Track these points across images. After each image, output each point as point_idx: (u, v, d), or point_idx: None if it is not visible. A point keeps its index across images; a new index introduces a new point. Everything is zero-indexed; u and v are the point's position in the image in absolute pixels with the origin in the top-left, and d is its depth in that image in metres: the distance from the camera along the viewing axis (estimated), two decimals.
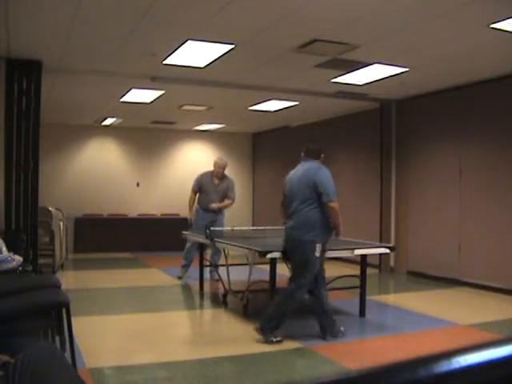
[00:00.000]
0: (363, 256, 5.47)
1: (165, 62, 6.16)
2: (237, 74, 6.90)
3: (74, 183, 11.28)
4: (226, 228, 7.20)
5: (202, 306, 6.44)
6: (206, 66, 6.29)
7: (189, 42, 5.38)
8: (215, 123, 11.46)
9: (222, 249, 6.44)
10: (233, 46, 5.51)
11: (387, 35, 5.10)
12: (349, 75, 6.75)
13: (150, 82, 7.11)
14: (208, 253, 7.50)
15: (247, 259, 5.42)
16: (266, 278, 5.04)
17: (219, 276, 6.37)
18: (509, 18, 4.48)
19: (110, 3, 4.40)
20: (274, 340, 4.38)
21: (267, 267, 4.98)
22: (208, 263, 7.16)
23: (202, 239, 6.42)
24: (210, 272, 7.34)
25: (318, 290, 4.62)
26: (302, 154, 4.81)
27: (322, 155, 4.78)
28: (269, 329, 4.39)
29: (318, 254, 4.41)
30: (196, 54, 5.81)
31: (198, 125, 11.66)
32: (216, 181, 7.51)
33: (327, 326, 4.56)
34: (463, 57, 5.84)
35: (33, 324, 3.40)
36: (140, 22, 4.82)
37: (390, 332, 4.74)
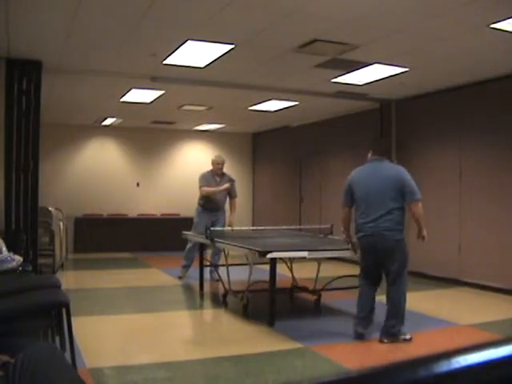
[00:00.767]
0: None
1: (165, 62, 6.16)
2: (237, 74, 6.90)
3: (74, 183, 11.28)
4: (226, 228, 7.20)
5: (202, 306, 6.44)
6: (206, 66, 6.29)
7: (189, 42, 5.38)
8: (215, 123, 11.46)
9: (222, 249, 6.44)
10: (233, 46, 5.51)
11: (387, 35, 5.10)
12: (349, 75, 6.75)
13: (150, 82, 7.11)
14: (208, 253, 7.50)
15: (247, 259, 5.42)
16: (266, 277, 5.04)
17: (219, 276, 6.37)
18: (509, 18, 4.48)
19: (110, 3, 4.40)
20: (408, 337, 4.48)
21: (267, 267, 4.98)
22: (208, 263, 7.16)
23: (202, 239, 6.42)
24: (210, 272, 7.34)
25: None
26: (370, 154, 4.63)
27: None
28: (398, 332, 4.47)
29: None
30: (196, 54, 5.81)
31: (197, 125, 11.66)
32: (218, 179, 7.52)
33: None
34: (463, 57, 5.84)
35: (33, 324, 3.40)
36: (140, 22, 4.82)
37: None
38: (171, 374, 3.73)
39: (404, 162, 8.54)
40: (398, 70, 6.41)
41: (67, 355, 3.17)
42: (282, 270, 6.00)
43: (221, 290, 6.29)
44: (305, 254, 5.02)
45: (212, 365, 3.97)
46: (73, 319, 3.55)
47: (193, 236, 7.02)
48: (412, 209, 4.42)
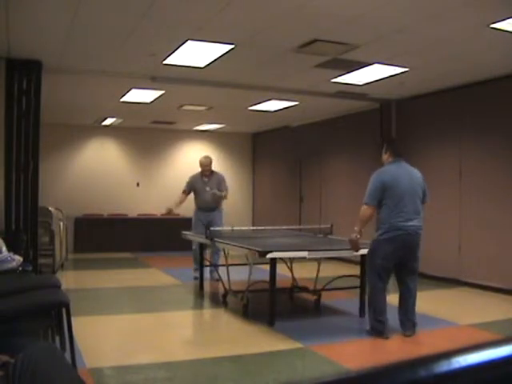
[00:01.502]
0: (363, 256, 5.46)
1: (165, 62, 6.16)
2: (237, 74, 6.90)
3: (74, 183, 11.28)
4: (226, 228, 7.20)
5: (202, 306, 6.44)
6: (205, 66, 6.29)
7: (189, 41, 5.38)
8: (215, 123, 11.46)
9: (221, 248, 6.45)
10: (233, 46, 5.51)
11: (387, 35, 5.10)
12: (349, 75, 6.75)
13: (150, 82, 7.11)
14: (208, 253, 7.50)
15: (247, 259, 5.42)
16: (266, 277, 5.04)
17: (219, 276, 6.37)
18: (509, 18, 4.48)
19: (110, 3, 4.40)
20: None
21: (267, 267, 4.98)
22: (208, 263, 7.16)
23: (202, 239, 6.42)
24: (211, 272, 7.34)
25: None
26: (388, 155, 4.74)
27: None
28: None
29: None
30: (196, 53, 5.81)
31: (197, 125, 11.66)
32: (205, 179, 7.64)
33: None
34: (463, 57, 5.84)
35: (33, 324, 3.40)
36: (140, 22, 4.82)
37: (390, 332, 4.73)
38: (171, 373, 3.73)
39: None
40: (398, 69, 6.41)
41: (67, 355, 3.17)
42: (282, 270, 6.00)
43: (221, 290, 6.29)
44: (305, 254, 5.02)
45: (212, 365, 3.97)
46: (73, 319, 3.55)
47: (192, 236, 7.02)
48: (424, 210, 4.73)
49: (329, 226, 6.58)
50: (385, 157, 4.77)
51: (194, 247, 7.58)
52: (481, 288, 6.82)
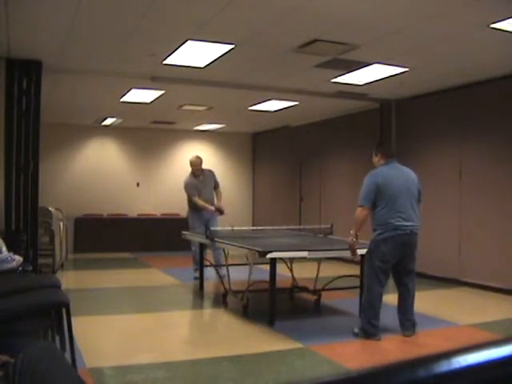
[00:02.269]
0: (363, 256, 5.46)
1: (165, 62, 6.16)
2: (237, 74, 6.90)
3: (74, 183, 11.28)
4: (226, 228, 7.20)
5: (201, 306, 6.44)
6: (205, 66, 6.29)
7: (189, 42, 5.38)
8: (215, 123, 11.46)
9: (221, 248, 6.45)
10: (233, 46, 5.51)
11: (387, 35, 5.10)
12: (349, 75, 6.75)
13: (150, 82, 7.11)
14: (208, 252, 7.49)
15: (247, 259, 5.42)
16: (266, 277, 5.04)
17: (219, 275, 6.37)
18: (509, 18, 4.48)
19: (110, 3, 4.40)
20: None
21: (267, 267, 4.98)
22: (208, 263, 7.16)
23: (202, 239, 6.42)
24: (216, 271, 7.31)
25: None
26: (380, 157, 4.75)
27: None
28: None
29: None
30: (196, 54, 5.81)
31: (197, 125, 11.66)
32: (200, 177, 7.72)
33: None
34: (463, 57, 5.84)
35: (33, 324, 3.40)
36: (140, 22, 4.82)
37: (390, 332, 4.74)
38: (171, 373, 3.73)
39: (404, 162, 8.53)
40: (398, 69, 6.41)
41: (67, 355, 3.17)
42: (282, 270, 6.00)
43: (221, 290, 6.29)
44: (305, 253, 5.02)
45: (212, 365, 3.97)
46: (73, 319, 3.55)
47: (192, 236, 7.02)
48: (419, 208, 4.76)
49: (329, 226, 6.58)
50: (375, 159, 4.78)
51: (193, 248, 7.58)
52: (481, 288, 6.82)
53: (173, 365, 3.92)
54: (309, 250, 5.07)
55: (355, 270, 5.78)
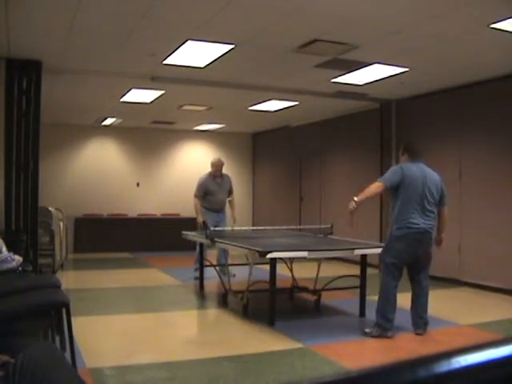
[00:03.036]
0: (363, 256, 5.47)
1: (165, 62, 6.16)
2: (237, 74, 6.90)
3: (73, 183, 11.28)
4: (226, 228, 7.21)
5: (202, 306, 6.44)
6: (205, 66, 6.29)
7: (189, 41, 5.38)
8: (215, 123, 11.46)
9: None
10: (233, 46, 5.51)
11: (387, 35, 5.10)
12: (349, 75, 6.75)
13: (150, 82, 7.11)
14: (208, 253, 7.48)
15: (247, 259, 5.42)
16: (266, 277, 5.04)
17: (219, 275, 6.37)
18: (509, 18, 4.48)
19: (110, 3, 4.40)
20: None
21: (267, 267, 4.98)
22: (208, 263, 7.16)
23: (202, 239, 6.42)
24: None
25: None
26: (407, 156, 4.77)
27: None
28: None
29: None
30: (196, 53, 5.81)
31: (198, 125, 11.66)
32: (219, 180, 7.75)
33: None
34: (463, 57, 5.84)
35: (33, 324, 3.40)
36: (140, 22, 4.82)
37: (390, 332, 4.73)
38: (171, 373, 3.73)
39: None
40: (398, 69, 6.41)
41: (67, 355, 3.17)
42: (282, 270, 6.00)
43: (221, 290, 6.29)
44: (305, 254, 5.02)
45: (212, 365, 3.97)
46: (73, 319, 3.55)
47: (192, 236, 7.01)
48: (444, 212, 4.78)
49: (329, 226, 6.58)
50: (402, 159, 4.85)
51: (198, 248, 7.57)
52: (481, 288, 6.82)
53: (173, 365, 3.92)
54: (309, 250, 5.07)
55: (355, 270, 5.78)
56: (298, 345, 4.42)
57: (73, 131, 11.31)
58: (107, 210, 11.55)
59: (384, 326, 4.59)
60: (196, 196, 7.69)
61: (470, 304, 6.31)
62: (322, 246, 5.61)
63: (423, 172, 4.69)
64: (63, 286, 4.08)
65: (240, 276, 6.16)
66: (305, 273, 6.61)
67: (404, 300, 4.86)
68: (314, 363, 4.05)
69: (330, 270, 6.70)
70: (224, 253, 7.33)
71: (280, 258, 5.29)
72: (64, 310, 3.53)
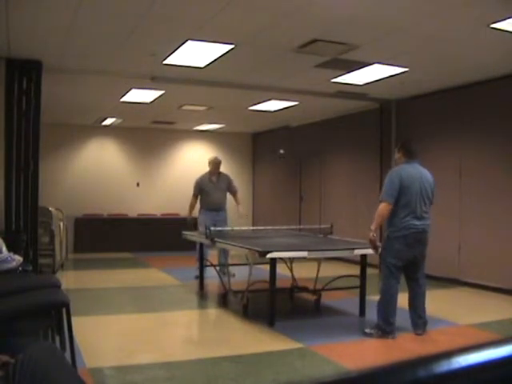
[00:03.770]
0: (363, 256, 5.47)
1: (165, 62, 6.16)
2: (237, 74, 6.90)
3: (74, 183, 11.28)
4: (226, 228, 7.21)
5: (202, 306, 6.44)
6: (205, 66, 6.29)
7: (189, 41, 5.38)
8: (215, 123, 11.46)
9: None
10: (233, 46, 5.51)
11: (387, 35, 5.10)
12: (349, 75, 6.75)
13: (150, 82, 7.11)
14: (209, 253, 7.48)
15: (247, 259, 5.42)
16: (266, 277, 5.04)
17: (219, 275, 6.38)
18: (509, 18, 4.48)
19: (110, 3, 4.40)
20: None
21: (267, 267, 4.98)
22: (208, 263, 7.17)
23: (202, 239, 6.42)
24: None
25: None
26: (402, 154, 4.79)
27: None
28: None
29: None
30: (196, 54, 5.81)
31: (198, 125, 11.66)
32: (214, 179, 7.76)
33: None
34: (463, 57, 5.84)
35: (33, 324, 3.40)
36: (140, 22, 4.82)
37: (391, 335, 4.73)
38: (171, 373, 3.73)
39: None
40: (398, 69, 6.41)
41: (67, 355, 3.17)
42: (282, 270, 6.00)
43: (221, 290, 6.29)
44: (305, 253, 5.02)
45: (212, 365, 3.97)
46: (73, 319, 3.55)
47: (192, 236, 7.01)
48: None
49: (329, 225, 6.58)
50: (397, 155, 4.85)
51: (197, 247, 7.58)
52: (481, 288, 6.82)
53: (173, 365, 3.92)
54: (309, 250, 5.07)
55: (355, 270, 5.78)
56: (298, 345, 4.42)
57: (73, 131, 11.31)
58: (107, 209, 11.55)
59: (385, 330, 4.59)
60: (194, 195, 7.82)
61: (470, 304, 6.31)
62: (321, 245, 5.61)
63: (419, 173, 4.71)
64: (63, 286, 4.08)
65: (240, 276, 6.16)
66: (305, 273, 6.61)
67: (402, 299, 4.85)
68: (314, 363, 4.05)
69: (330, 270, 6.70)
70: (224, 253, 7.33)
71: (280, 258, 5.29)
72: (64, 310, 3.53)
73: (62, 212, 9.24)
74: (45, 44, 5.59)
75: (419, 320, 4.72)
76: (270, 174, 12.49)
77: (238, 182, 12.63)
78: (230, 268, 6.76)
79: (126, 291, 7.02)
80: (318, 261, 5.97)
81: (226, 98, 8.47)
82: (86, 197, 11.30)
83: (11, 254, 4.23)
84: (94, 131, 11.56)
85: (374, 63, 6.15)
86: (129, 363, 3.91)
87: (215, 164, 7.77)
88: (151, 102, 8.56)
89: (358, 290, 5.45)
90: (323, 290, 5.85)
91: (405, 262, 4.69)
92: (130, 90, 7.76)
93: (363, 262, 5.49)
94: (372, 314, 5.41)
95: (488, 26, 4.66)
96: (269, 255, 4.77)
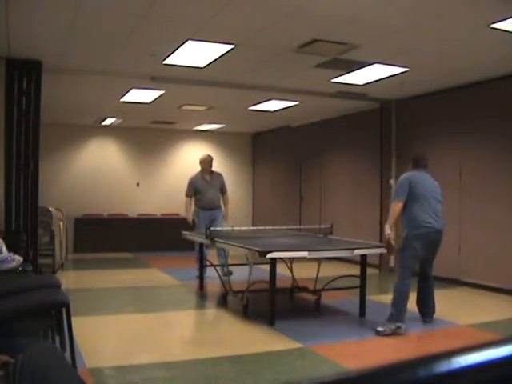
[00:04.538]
0: (363, 256, 5.48)
1: (165, 62, 6.16)
2: (237, 74, 6.90)
3: (74, 183, 11.28)
4: (226, 228, 7.20)
5: (202, 306, 6.44)
6: (205, 66, 6.29)
7: (189, 41, 5.38)
8: (215, 123, 11.46)
9: (226, 248, 6.46)
10: (233, 46, 5.51)
11: (387, 35, 5.10)
12: (349, 75, 6.75)
13: (150, 82, 7.11)
14: (208, 252, 7.48)
15: (247, 259, 5.42)
16: (266, 277, 5.04)
17: (219, 275, 6.37)
18: (509, 18, 4.48)
19: (110, 3, 4.40)
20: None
21: (267, 267, 4.98)
22: (208, 263, 7.16)
23: (202, 239, 6.42)
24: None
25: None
26: (417, 165, 5.16)
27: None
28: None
29: None
30: (196, 53, 5.81)
31: (198, 125, 11.66)
32: (207, 177, 7.75)
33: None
34: (463, 57, 5.84)
35: (33, 324, 3.41)
36: (140, 22, 4.82)
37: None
38: (171, 373, 3.73)
39: (404, 162, 8.53)
40: (398, 69, 6.41)
41: (67, 355, 3.17)
42: (282, 270, 6.00)
43: (221, 290, 6.29)
44: (305, 254, 5.02)
45: (212, 365, 3.97)
46: (73, 319, 3.55)
47: (192, 236, 7.02)
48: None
49: (329, 225, 6.58)
50: (408, 168, 5.24)
51: (196, 247, 7.59)
52: (481, 288, 6.82)
53: (173, 365, 3.92)
54: (309, 250, 5.07)
55: (355, 270, 5.78)
56: (297, 345, 4.42)
57: (73, 131, 11.31)
58: (107, 209, 11.55)
59: (399, 318, 4.75)
60: (186, 195, 7.82)
61: (470, 304, 6.31)
62: (322, 246, 5.60)
63: (427, 177, 5.07)
64: (63, 286, 4.08)
65: (240, 276, 6.15)
66: (305, 273, 6.61)
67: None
68: (314, 363, 4.05)
69: (330, 270, 6.70)
70: (223, 253, 7.30)
71: (280, 258, 5.29)
72: (64, 310, 3.53)
73: (62, 212, 9.24)
74: (45, 44, 5.59)
75: (430, 310, 5.09)
76: (270, 174, 12.49)
77: (237, 182, 12.72)
78: (230, 269, 6.75)
79: (125, 291, 7.02)
80: (318, 261, 5.97)
81: (226, 98, 8.47)
82: (85, 197, 11.29)
83: (11, 254, 4.23)
84: (94, 131, 11.56)
85: (374, 63, 6.15)
86: (129, 363, 3.91)
87: (207, 162, 7.76)
88: (151, 102, 8.56)
89: (357, 290, 5.45)
90: (323, 290, 5.85)
91: (420, 260, 4.97)
92: (130, 90, 7.76)
93: (363, 262, 5.49)
94: (372, 315, 5.42)
95: (488, 26, 4.66)
96: (269, 255, 4.77)
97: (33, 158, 6.12)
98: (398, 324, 4.70)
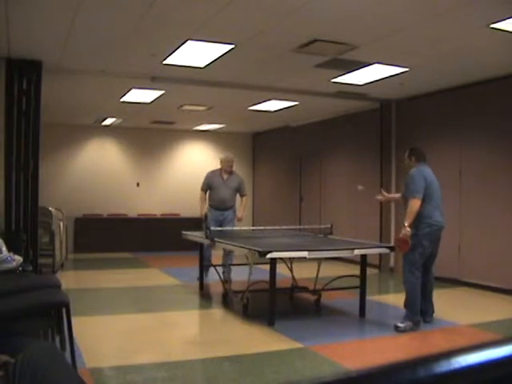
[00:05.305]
0: (363, 256, 5.48)
1: (165, 62, 6.16)
2: (237, 74, 6.90)
3: (74, 183, 11.28)
4: (226, 228, 7.20)
5: (202, 306, 6.44)
6: (205, 66, 6.29)
7: (189, 41, 5.38)
8: (215, 123, 11.45)
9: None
10: (233, 46, 5.51)
11: (387, 35, 5.10)
12: (349, 75, 6.75)
13: (150, 82, 7.11)
14: (211, 254, 7.47)
15: (247, 259, 5.42)
16: (266, 277, 5.04)
17: (219, 275, 6.37)
18: (509, 18, 4.48)
19: (110, 3, 4.40)
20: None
21: (267, 267, 4.98)
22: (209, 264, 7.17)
23: (202, 239, 6.41)
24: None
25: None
26: (415, 159, 5.17)
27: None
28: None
29: None
30: (196, 54, 5.81)
31: (198, 125, 11.65)
32: (225, 176, 7.60)
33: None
34: (463, 57, 5.84)
35: (33, 324, 3.40)
36: (140, 22, 4.82)
37: (390, 332, 4.74)
38: (171, 373, 3.73)
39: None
40: (398, 69, 6.41)
41: (67, 355, 3.17)
42: (282, 270, 6.00)
43: (221, 290, 6.29)
44: (305, 254, 5.02)
45: (212, 365, 3.97)
46: (73, 319, 3.55)
47: (192, 236, 7.01)
48: None
49: (329, 226, 6.58)
50: (407, 161, 5.21)
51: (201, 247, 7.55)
52: (481, 288, 6.82)
53: (173, 365, 3.92)
54: (309, 250, 5.07)
55: (355, 270, 5.78)
56: (297, 345, 4.42)
57: (73, 131, 11.31)
58: (107, 210, 11.55)
59: (417, 319, 4.84)
60: (201, 189, 7.69)
61: (470, 304, 6.31)
62: (321, 245, 5.61)
63: (432, 172, 5.10)
64: (63, 286, 4.08)
65: (240, 276, 6.15)
66: (305, 273, 6.61)
67: (400, 299, 4.86)
68: (314, 363, 4.05)
69: (329, 270, 6.70)
70: (228, 256, 7.24)
71: (280, 258, 5.29)
72: (64, 310, 3.53)
73: (62, 212, 9.24)
74: (45, 44, 5.59)
75: (430, 309, 5.10)
76: (270, 174, 12.49)
77: None
78: (231, 270, 6.74)
79: (125, 291, 7.01)
80: (318, 261, 5.97)
81: (225, 98, 8.47)
82: (85, 197, 11.29)
83: (11, 254, 4.23)
84: (94, 131, 11.56)
85: (374, 63, 6.15)
86: (129, 363, 3.91)
87: (226, 162, 7.59)
88: (151, 102, 8.56)
89: (358, 290, 5.45)
90: (323, 290, 5.85)
91: (424, 258, 5.00)
92: (130, 90, 7.76)
93: (363, 262, 5.49)
94: (372, 315, 5.42)
95: (488, 26, 4.66)
96: (269, 255, 4.77)
97: (33, 158, 6.12)
98: (416, 319, 4.82)
